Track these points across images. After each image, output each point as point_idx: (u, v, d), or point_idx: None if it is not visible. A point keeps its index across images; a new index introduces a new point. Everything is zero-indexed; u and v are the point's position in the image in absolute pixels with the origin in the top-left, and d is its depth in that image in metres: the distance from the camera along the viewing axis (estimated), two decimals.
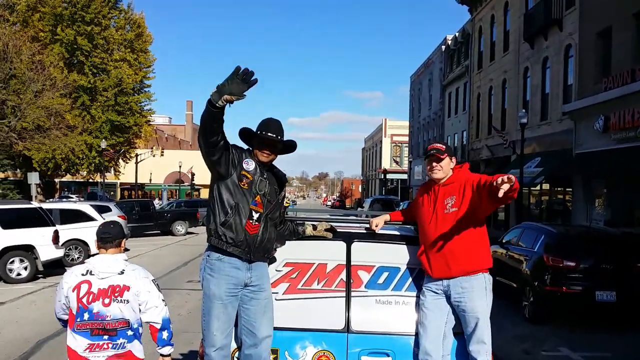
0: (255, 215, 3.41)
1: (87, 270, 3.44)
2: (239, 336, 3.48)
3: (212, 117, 3.13)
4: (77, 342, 3.36)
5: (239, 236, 3.36)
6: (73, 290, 3.38)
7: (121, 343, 3.40)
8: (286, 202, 4.10)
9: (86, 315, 3.35)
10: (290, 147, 3.63)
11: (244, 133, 3.56)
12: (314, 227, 3.73)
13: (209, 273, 3.44)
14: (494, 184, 3.08)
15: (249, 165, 3.45)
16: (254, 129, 3.53)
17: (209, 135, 3.23)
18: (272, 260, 3.63)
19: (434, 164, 3.67)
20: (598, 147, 17.15)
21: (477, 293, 3.51)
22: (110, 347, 3.37)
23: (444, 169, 3.67)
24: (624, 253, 9.05)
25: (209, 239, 3.47)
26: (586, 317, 9.05)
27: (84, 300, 3.35)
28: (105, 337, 3.36)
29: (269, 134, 3.43)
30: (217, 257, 3.42)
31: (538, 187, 22.87)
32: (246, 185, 3.41)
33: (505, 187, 3.01)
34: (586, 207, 18.28)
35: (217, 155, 3.33)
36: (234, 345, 3.50)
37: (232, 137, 3.49)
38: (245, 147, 3.60)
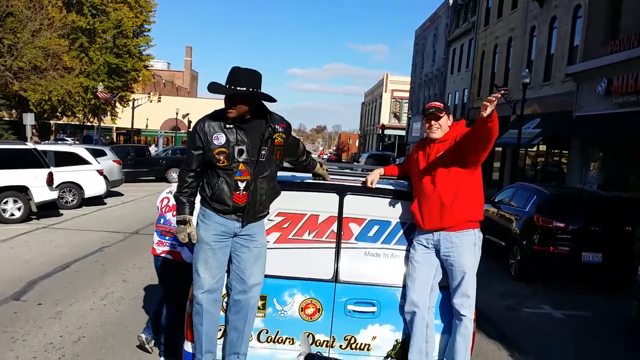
0: (242, 185, 3.36)
1: (170, 190, 4.67)
2: (229, 282, 3.52)
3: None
4: (154, 238, 4.74)
5: (227, 208, 3.39)
6: (160, 202, 4.76)
7: (174, 244, 4.56)
8: None
9: (162, 220, 4.68)
10: (257, 97, 3.39)
11: (212, 89, 3.39)
12: (321, 165, 3.98)
13: (200, 219, 3.49)
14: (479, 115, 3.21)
15: (220, 139, 3.33)
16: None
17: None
18: (267, 214, 3.62)
19: (433, 122, 3.66)
20: (598, 110, 17.04)
21: (466, 249, 3.56)
22: (167, 245, 4.62)
23: (442, 127, 3.67)
24: (613, 216, 9.13)
25: (202, 202, 3.49)
26: (572, 277, 9.23)
27: (163, 209, 4.70)
28: (167, 237, 4.62)
29: (231, 86, 3.25)
30: (208, 207, 3.46)
31: (535, 148, 22.87)
32: (224, 161, 3.33)
33: (487, 105, 3.21)
34: (581, 170, 18.34)
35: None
36: (224, 291, 3.56)
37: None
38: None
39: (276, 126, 3.46)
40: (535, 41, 23.54)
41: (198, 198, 3.56)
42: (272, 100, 3.48)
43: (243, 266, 3.45)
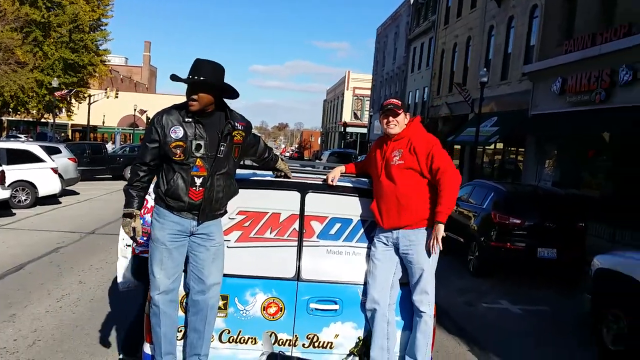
0: (199, 181, 3.30)
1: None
2: (187, 282, 3.47)
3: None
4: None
5: (183, 205, 3.32)
6: None
7: None
8: None
9: (141, 221, 3.84)
10: (219, 89, 3.33)
11: (174, 79, 3.34)
12: (282, 160, 3.97)
13: (155, 218, 3.42)
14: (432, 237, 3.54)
15: (177, 132, 3.26)
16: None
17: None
18: (224, 213, 3.57)
19: (391, 118, 3.71)
20: (553, 109, 17.57)
21: (424, 246, 3.60)
22: (145, 244, 4.00)
23: (400, 124, 3.73)
24: (568, 213, 9.42)
25: (156, 201, 3.42)
26: (528, 273, 9.48)
27: (142, 211, 3.88)
28: (145, 238, 3.91)
29: (194, 77, 3.20)
30: (163, 205, 3.39)
31: (492, 146, 23.41)
32: (181, 155, 3.26)
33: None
34: (536, 167, 18.87)
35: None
36: (182, 292, 3.50)
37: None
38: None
39: (236, 124, 3.42)
40: (493, 40, 24.08)
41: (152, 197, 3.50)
42: (235, 94, 3.45)
43: (201, 266, 3.40)
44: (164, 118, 3.31)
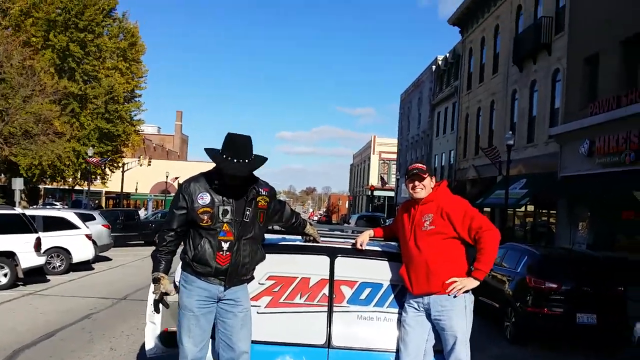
0: (226, 245, 3.36)
1: None
2: (216, 350, 3.45)
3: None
4: None
5: (210, 270, 3.37)
6: None
7: None
8: None
9: None
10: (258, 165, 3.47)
11: (210, 155, 3.44)
12: (310, 225, 4.01)
13: (183, 284, 3.45)
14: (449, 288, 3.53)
15: (204, 199, 3.36)
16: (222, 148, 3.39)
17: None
18: (251, 278, 3.59)
19: (417, 182, 3.75)
20: (583, 170, 17.37)
21: (457, 312, 3.55)
22: None
23: (426, 188, 3.75)
24: (605, 276, 9.14)
25: (183, 267, 3.48)
26: (567, 339, 9.11)
27: None
28: None
29: (231, 165, 3.28)
30: (190, 271, 3.44)
31: (523, 209, 23.08)
32: (208, 221, 3.35)
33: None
34: (570, 229, 18.45)
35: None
36: (210, 358, 3.48)
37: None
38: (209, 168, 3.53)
39: (260, 189, 3.51)
40: (517, 104, 24.26)
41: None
42: (265, 160, 3.55)
43: (229, 332, 3.39)
44: (191, 185, 3.42)
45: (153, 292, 3.45)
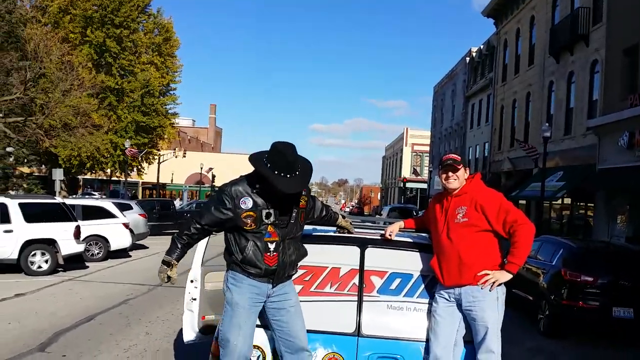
0: (272, 246, 3.39)
1: None
2: (278, 350, 3.46)
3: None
4: None
5: (260, 271, 3.39)
6: None
7: None
8: None
9: None
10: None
11: (259, 168, 3.40)
12: (343, 217, 4.01)
13: (232, 283, 3.46)
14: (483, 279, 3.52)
15: (247, 203, 3.37)
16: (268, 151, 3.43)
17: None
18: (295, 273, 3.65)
19: (450, 173, 3.71)
20: (622, 163, 16.91)
21: (489, 303, 3.53)
22: None
23: (460, 179, 3.72)
24: None
25: (231, 266, 3.48)
26: (602, 333, 8.93)
27: None
28: None
29: (284, 182, 3.28)
30: (240, 270, 3.46)
31: (559, 201, 22.60)
32: (252, 224, 3.36)
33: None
34: (608, 222, 18.01)
35: (214, 230, 3.61)
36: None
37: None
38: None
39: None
40: (554, 96, 23.70)
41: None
42: (311, 169, 3.59)
43: (287, 328, 3.42)
44: (232, 189, 3.42)
45: (159, 274, 3.53)
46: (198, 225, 3.49)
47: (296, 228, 3.51)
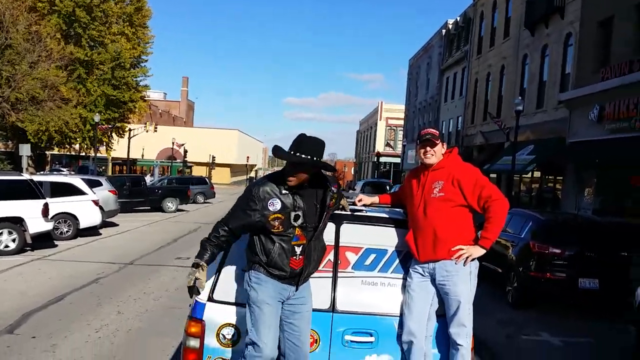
0: (299, 250, 3.31)
1: None
2: (282, 350, 3.41)
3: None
4: None
5: (285, 274, 3.31)
6: None
7: None
8: None
9: None
10: (322, 167, 3.38)
11: (277, 154, 3.39)
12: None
13: (255, 282, 3.33)
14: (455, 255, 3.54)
15: (275, 205, 3.27)
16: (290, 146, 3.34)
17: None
18: None
19: (428, 148, 3.69)
20: (592, 136, 17.22)
21: (462, 277, 3.55)
22: None
23: (437, 154, 3.70)
24: (609, 242, 9.13)
25: (255, 267, 3.35)
26: (569, 303, 9.18)
27: None
28: None
29: (295, 153, 3.23)
30: (264, 272, 3.35)
31: (529, 175, 23.00)
32: (280, 227, 3.27)
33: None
34: (575, 195, 18.42)
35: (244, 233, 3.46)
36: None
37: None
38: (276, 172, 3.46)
39: (332, 188, 3.47)
40: (528, 69, 23.90)
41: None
42: (333, 169, 3.52)
43: (297, 333, 3.36)
44: (260, 190, 3.31)
45: (188, 276, 3.32)
46: (226, 228, 3.35)
47: (324, 226, 3.45)
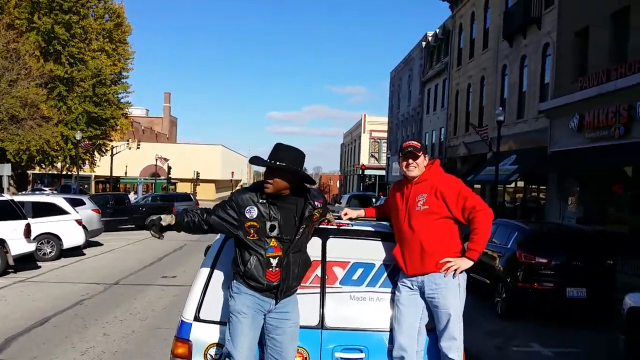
0: (274, 261, 3.28)
1: None
2: None
3: (181, 230, 3.49)
4: None
5: (261, 286, 3.29)
6: None
7: None
8: None
9: None
10: (296, 175, 3.31)
11: (253, 162, 3.42)
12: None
13: (236, 292, 3.34)
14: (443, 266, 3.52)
15: (252, 212, 3.28)
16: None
17: (198, 233, 3.49)
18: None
19: (410, 161, 3.68)
20: (572, 145, 17.43)
21: (451, 290, 3.54)
22: None
23: (420, 166, 3.69)
24: (595, 250, 9.23)
25: (235, 277, 3.38)
26: (557, 313, 9.22)
27: None
28: None
29: (271, 161, 3.23)
30: (243, 282, 3.35)
31: (513, 185, 23.19)
32: (254, 235, 3.28)
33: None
34: (559, 204, 18.59)
35: (216, 230, 3.46)
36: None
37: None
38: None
39: (315, 202, 3.42)
40: (507, 79, 24.21)
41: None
42: (312, 182, 3.50)
43: (279, 349, 3.32)
44: (240, 197, 3.34)
45: (150, 216, 3.46)
46: (205, 215, 3.40)
47: (302, 241, 3.40)
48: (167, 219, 3.38)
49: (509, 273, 9.22)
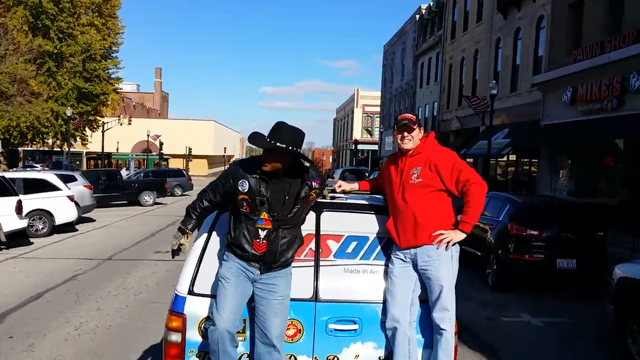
0: (263, 234, 3.32)
1: None
2: (254, 333, 3.41)
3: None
4: None
5: (247, 255, 3.34)
6: None
7: None
8: None
9: None
10: (294, 155, 3.34)
11: (252, 141, 3.39)
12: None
13: (225, 258, 3.43)
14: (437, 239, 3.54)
15: (244, 186, 3.32)
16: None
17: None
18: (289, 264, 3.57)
19: (406, 134, 3.66)
20: (565, 118, 17.45)
21: (443, 262, 3.55)
22: None
23: (414, 139, 3.67)
24: (585, 222, 9.29)
25: (227, 246, 3.45)
26: (548, 284, 9.33)
27: None
28: None
29: (271, 141, 3.24)
30: (231, 251, 3.42)
31: (505, 158, 23.26)
32: (247, 208, 3.32)
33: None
34: (551, 177, 18.69)
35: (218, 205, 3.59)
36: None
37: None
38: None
39: (313, 183, 3.40)
40: (501, 52, 24.08)
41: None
42: (311, 163, 3.49)
43: (263, 319, 3.36)
44: (236, 169, 3.41)
45: (173, 239, 3.57)
46: (208, 197, 3.52)
47: (294, 219, 3.40)
48: (185, 242, 3.57)
49: (500, 245, 9.30)
